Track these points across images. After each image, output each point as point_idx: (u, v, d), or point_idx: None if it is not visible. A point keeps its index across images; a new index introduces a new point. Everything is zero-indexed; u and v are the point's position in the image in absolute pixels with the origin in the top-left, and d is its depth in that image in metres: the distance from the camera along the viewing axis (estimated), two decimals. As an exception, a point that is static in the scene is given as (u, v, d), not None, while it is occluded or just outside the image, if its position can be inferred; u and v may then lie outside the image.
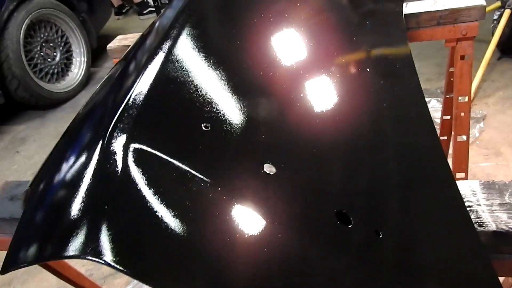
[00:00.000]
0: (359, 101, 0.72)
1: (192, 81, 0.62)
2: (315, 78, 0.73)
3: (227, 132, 0.54)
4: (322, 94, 0.69)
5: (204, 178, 0.48)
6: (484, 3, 1.22)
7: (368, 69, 0.85)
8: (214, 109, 0.56)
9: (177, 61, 0.65)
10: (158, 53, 0.65)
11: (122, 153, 0.48)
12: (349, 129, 0.65)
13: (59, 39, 3.32)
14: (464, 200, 0.64)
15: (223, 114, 0.56)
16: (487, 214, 0.61)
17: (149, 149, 0.49)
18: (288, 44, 0.81)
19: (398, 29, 1.12)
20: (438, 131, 1.86)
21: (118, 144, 0.49)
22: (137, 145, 0.49)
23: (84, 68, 3.46)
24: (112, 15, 4.47)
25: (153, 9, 4.44)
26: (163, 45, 0.68)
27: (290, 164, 0.54)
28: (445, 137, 1.75)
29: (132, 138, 0.50)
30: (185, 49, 0.69)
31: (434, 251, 0.54)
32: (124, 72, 0.68)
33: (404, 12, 1.24)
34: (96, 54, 3.79)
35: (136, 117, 0.53)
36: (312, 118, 0.64)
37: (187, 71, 0.64)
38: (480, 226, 0.60)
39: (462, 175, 1.40)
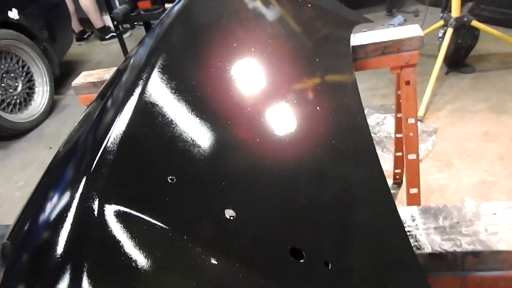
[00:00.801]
0: (307, 138, 0.80)
1: (160, 130, 0.67)
2: (267, 118, 0.80)
3: (192, 182, 0.60)
4: (273, 135, 0.76)
5: (172, 228, 0.53)
6: (422, 34, 1.34)
7: (316, 104, 0.92)
8: (179, 160, 0.62)
9: (147, 108, 0.69)
10: (131, 96, 0.70)
11: (97, 207, 0.53)
12: (298, 167, 0.72)
13: (20, 69, 3.29)
14: (404, 225, 0.72)
15: (188, 165, 0.62)
16: (424, 237, 0.70)
17: (122, 198, 0.55)
18: (239, 84, 0.87)
19: (346, 59, 1.21)
20: (393, 147, 1.98)
21: (92, 199, 0.54)
22: (113, 195, 0.54)
23: (47, 96, 3.44)
24: (74, 41, 4.45)
25: (115, 34, 4.45)
26: (136, 88, 0.72)
27: (248, 208, 0.61)
28: (400, 153, 1.87)
29: (107, 189, 0.55)
30: (155, 94, 0.74)
31: (378, 276, 0.62)
32: (100, 115, 0.70)
33: (352, 44, 1.35)
34: (59, 81, 3.77)
35: (112, 164, 0.57)
36: (266, 160, 0.71)
37: (155, 120, 0.69)
38: (418, 249, 0.68)
39: (415, 190, 1.51)
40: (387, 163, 2.08)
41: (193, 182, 0.60)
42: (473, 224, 0.69)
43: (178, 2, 1.09)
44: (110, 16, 3.52)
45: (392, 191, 1.99)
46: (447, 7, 2.78)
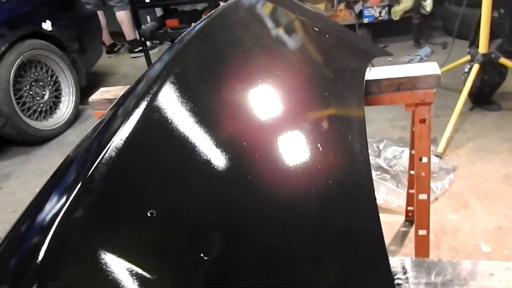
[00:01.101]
0: (301, 175, 0.78)
1: (147, 163, 0.67)
2: (262, 154, 0.79)
3: (170, 218, 0.59)
4: (266, 173, 0.75)
5: (145, 266, 0.53)
6: (439, 72, 1.31)
7: (317, 140, 0.90)
8: (161, 195, 0.61)
9: (140, 137, 0.70)
10: (127, 120, 0.71)
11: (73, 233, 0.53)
12: (287, 208, 0.70)
13: (49, 78, 3.40)
14: (394, 277, 0.69)
15: (169, 200, 0.61)
16: (414, 292, 0.67)
17: (102, 231, 0.55)
18: (238, 114, 0.87)
19: (357, 94, 1.18)
20: (406, 183, 1.93)
21: (70, 222, 0.54)
22: (92, 226, 0.54)
23: (72, 106, 3.52)
24: (104, 53, 4.58)
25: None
26: (134, 112, 0.74)
27: (228, 248, 0.60)
28: (413, 191, 1.82)
29: (86, 219, 0.55)
30: (150, 123, 0.75)
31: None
32: (98, 136, 0.73)
33: (367, 78, 1.33)
34: (85, 92, 3.86)
35: (96, 192, 0.59)
36: (249, 199, 0.69)
37: (144, 151, 0.70)
38: (406, 305, 0.65)
39: (424, 232, 1.45)
40: (401, 198, 2.03)
41: (173, 218, 0.59)
42: (467, 284, 0.66)
43: (200, 22, 1.10)
44: (138, 32, 3.61)
45: (403, 229, 1.94)
46: (474, 42, 2.73)
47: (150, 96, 0.78)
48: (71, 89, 3.54)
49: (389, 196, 2.07)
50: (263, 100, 0.95)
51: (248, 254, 0.61)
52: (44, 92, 3.37)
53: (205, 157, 0.71)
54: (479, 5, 2.53)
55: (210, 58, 1.04)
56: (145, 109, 0.75)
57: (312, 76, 1.19)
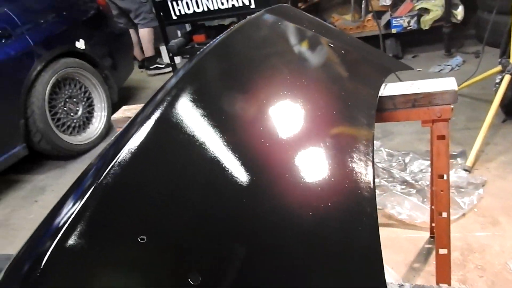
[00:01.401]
0: (299, 197, 0.78)
1: (141, 187, 0.69)
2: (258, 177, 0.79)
3: (160, 244, 0.61)
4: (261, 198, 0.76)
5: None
6: (456, 88, 1.29)
7: (320, 160, 0.90)
8: (153, 220, 0.64)
9: (147, 153, 0.74)
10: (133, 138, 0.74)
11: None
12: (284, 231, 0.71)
13: (82, 95, 3.54)
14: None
15: (160, 225, 0.63)
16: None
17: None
18: (243, 134, 0.89)
19: (367, 114, 1.16)
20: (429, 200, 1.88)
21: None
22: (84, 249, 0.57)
23: (104, 121, 3.65)
24: (136, 68, 4.74)
25: (161, 66, 4.79)
26: (141, 130, 0.76)
27: (217, 273, 0.61)
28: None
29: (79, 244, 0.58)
30: (159, 137, 0.78)
31: None
32: (106, 154, 0.77)
33: (381, 94, 1.32)
34: (117, 107, 4.00)
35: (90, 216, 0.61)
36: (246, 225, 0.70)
37: (149, 170, 0.72)
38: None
39: (445, 251, 1.41)
40: (426, 214, 1.98)
41: (163, 243, 0.61)
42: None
43: (219, 36, 1.13)
44: (166, 47, 3.72)
45: (427, 246, 1.89)
46: (506, 52, 2.64)
47: (160, 111, 0.81)
48: (103, 104, 3.67)
49: (414, 212, 2.03)
50: (270, 118, 0.96)
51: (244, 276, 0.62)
52: (77, 108, 3.51)
53: (209, 174, 0.73)
54: (510, 12, 2.46)
55: (226, 72, 1.06)
56: (155, 123, 0.77)
57: (322, 93, 1.18)
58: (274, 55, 1.25)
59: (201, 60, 1.02)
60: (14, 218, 2.87)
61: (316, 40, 1.43)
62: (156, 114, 0.78)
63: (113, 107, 3.82)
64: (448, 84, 1.31)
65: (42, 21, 3.29)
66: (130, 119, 0.88)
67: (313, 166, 0.88)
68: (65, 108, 3.42)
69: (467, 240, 1.83)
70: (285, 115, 0.99)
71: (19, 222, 2.82)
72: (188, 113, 0.83)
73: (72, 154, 3.43)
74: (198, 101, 0.85)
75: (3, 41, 2.98)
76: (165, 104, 0.82)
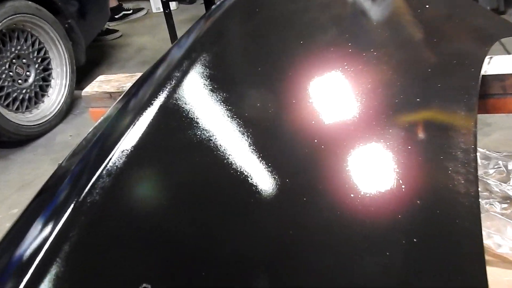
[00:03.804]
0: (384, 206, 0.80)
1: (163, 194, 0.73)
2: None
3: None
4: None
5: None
6: None
7: (403, 154, 0.91)
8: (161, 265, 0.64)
9: (154, 150, 0.78)
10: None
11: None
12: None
13: (35, 54, 3.55)
14: None
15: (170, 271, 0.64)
16: None
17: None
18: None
19: (467, 97, 1.13)
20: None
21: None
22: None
23: (66, 93, 3.66)
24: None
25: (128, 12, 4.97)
26: (144, 115, 0.79)
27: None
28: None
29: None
30: (169, 128, 0.82)
31: None
32: (98, 144, 0.79)
33: (484, 72, 1.29)
34: (83, 72, 4.01)
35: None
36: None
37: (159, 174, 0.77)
38: None
39: None
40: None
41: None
42: None
43: None
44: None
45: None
46: None
47: (171, 90, 0.83)
48: (64, 68, 3.67)
49: (520, 244, 2.01)
50: (326, 99, 0.98)
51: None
52: (28, 73, 3.53)
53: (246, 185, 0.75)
54: None
55: (261, 35, 1.05)
56: (162, 113, 0.80)
57: (399, 69, 1.17)
58: (328, 10, 1.24)
59: (228, 12, 1.01)
60: None
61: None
62: (166, 100, 0.80)
63: (79, 74, 3.84)
64: None
65: None
66: (118, 99, 0.92)
67: (390, 163, 0.89)
68: (10, 73, 3.43)
69: None
70: (347, 102, 0.99)
71: None
72: (212, 103, 0.85)
73: (20, 139, 3.45)
74: (225, 81, 0.85)
75: None
76: (175, 83, 0.81)
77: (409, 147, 0.93)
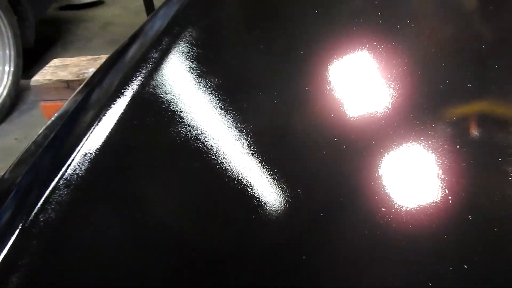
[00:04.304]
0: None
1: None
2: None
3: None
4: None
5: None
6: None
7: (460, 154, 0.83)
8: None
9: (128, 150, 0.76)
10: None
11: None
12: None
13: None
14: None
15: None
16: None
17: None
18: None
19: None
20: None
21: None
22: None
23: (9, 82, 3.56)
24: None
25: None
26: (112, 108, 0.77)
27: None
28: None
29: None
30: (147, 122, 0.80)
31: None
32: (54, 146, 0.78)
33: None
34: (32, 56, 3.88)
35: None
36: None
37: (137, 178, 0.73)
38: None
39: None
40: None
41: None
42: None
43: None
44: None
45: None
46: None
47: (147, 76, 0.81)
48: (7, 51, 3.57)
49: None
50: (365, 83, 0.94)
51: None
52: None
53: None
54: None
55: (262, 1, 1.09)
56: (135, 98, 0.78)
57: (444, 45, 1.11)
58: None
59: None
60: None
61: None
62: (140, 89, 0.79)
63: (26, 59, 3.72)
64: None
65: None
66: (78, 90, 0.89)
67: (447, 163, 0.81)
68: None
69: None
70: (376, 88, 0.94)
71: None
72: (200, 92, 0.83)
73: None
74: (217, 64, 0.85)
75: None
76: (152, 67, 0.82)
77: (458, 147, 0.85)
